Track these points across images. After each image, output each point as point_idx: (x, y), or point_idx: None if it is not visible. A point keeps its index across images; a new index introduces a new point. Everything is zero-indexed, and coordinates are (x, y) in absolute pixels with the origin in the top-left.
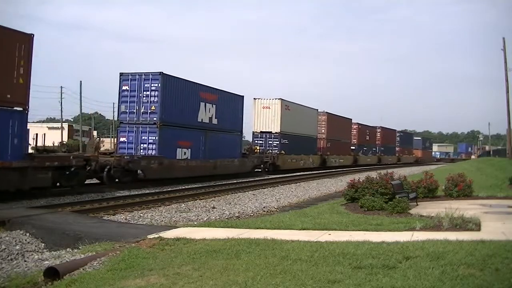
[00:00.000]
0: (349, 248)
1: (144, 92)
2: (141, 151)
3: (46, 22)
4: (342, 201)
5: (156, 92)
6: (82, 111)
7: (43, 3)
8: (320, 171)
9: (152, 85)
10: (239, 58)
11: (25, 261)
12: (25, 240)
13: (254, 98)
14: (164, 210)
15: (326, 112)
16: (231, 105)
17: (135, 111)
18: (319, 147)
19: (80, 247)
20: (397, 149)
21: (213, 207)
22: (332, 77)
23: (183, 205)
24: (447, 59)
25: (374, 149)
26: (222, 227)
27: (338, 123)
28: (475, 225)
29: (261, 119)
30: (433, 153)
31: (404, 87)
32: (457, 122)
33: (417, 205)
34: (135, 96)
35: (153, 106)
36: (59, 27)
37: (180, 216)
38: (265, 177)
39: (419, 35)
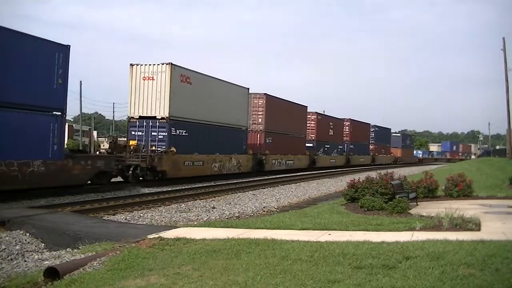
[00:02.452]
0: (349, 248)
1: None
2: None
3: (43, 22)
4: (342, 201)
5: None
6: (82, 111)
7: (40, 3)
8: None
9: None
10: (238, 57)
11: (25, 261)
12: (25, 240)
13: (131, 64)
14: (164, 210)
15: (265, 94)
16: (23, 57)
17: None
18: (253, 143)
19: (80, 247)
20: (371, 147)
21: (213, 207)
22: (331, 78)
23: (183, 205)
24: (447, 59)
25: (341, 147)
26: (222, 227)
27: (285, 111)
28: (475, 225)
29: (141, 96)
30: (414, 152)
31: (404, 87)
32: (457, 122)
33: (417, 205)
34: None
35: None
36: (56, 27)
37: (180, 216)
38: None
39: (419, 35)
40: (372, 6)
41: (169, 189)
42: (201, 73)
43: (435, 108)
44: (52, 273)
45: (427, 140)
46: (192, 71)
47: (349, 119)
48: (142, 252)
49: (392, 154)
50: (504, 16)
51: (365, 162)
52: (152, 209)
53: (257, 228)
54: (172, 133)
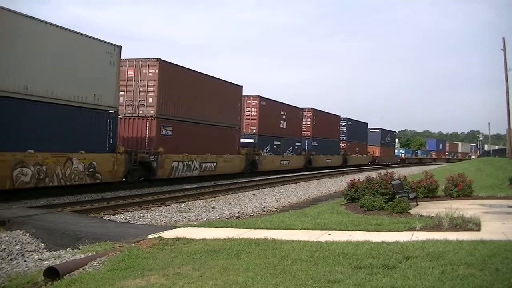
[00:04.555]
0: (349, 248)
1: None
2: None
3: None
4: (342, 201)
5: None
6: None
7: (42, 3)
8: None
9: None
10: (238, 57)
11: (25, 261)
12: (25, 240)
13: None
14: (164, 210)
15: (158, 60)
16: None
17: None
18: (136, 136)
19: (80, 247)
20: (342, 145)
21: (213, 207)
22: (332, 78)
23: (183, 205)
24: (447, 59)
25: (299, 144)
26: (222, 227)
27: (199, 89)
28: (475, 225)
29: None
30: (396, 151)
31: (404, 87)
32: (457, 122)
33: (417, 205)
34: None
35: None
36: None
37: (180, 216)
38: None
39: (419, 35)
40: (371, 6)
41: (169, 189)
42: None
43: (435, 108)
44: (52, 273)
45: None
46: None
47: (311, 108)
48: (142, 252)
49: (369, 154)
50: (504, 16)
51: (334, 163)
52: (152, 209)
53: (257, 228)
54: None
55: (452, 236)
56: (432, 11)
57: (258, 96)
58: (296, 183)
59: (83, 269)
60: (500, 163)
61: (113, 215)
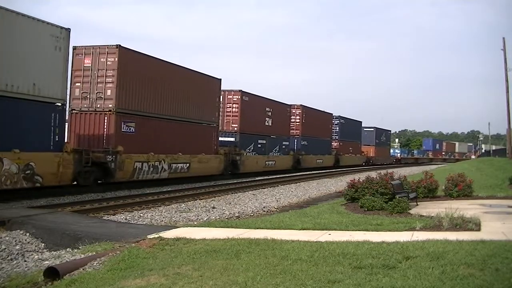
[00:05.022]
0: (349, 248)
1: None
2: None
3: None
4: (342, 201)
5: None
6: None
7: (40, 3)
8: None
9: None
10: (238, 57)
11: (25, 261)
12: (25, 240)
13: None
14: (164, 210)
15: (118, 46)
16: None
17: None
18: (91, 133)
19: (80, 247)
20: (334, 144)
21: (213, 207)
22: (332, 78)
23: (183, 205)
24: (447, 59)
25: (286, 143)
26: (222, 227)
27: (169, 82)
28: (475, 225)
29: None
30: (391, 151)
31: (404, 87)
32: (457, 122)
33: (417, 205)
34: None
35: None
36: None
37: (180, 216)
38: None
39: (419, 35)
40: (371, 6)
41: (169, 189)
42: None
43: (435, 108)
44: (52, 273)
45: None
46: None
47: (301, 105)
48: (142, 252)
49: (363, 153)
50: (504, 16)
51: (325, 163)
52: (152, 209)
53: (257, 228)
54: None
55: (452, 236)
56: (432, 11)
57: (240, 90)
58: (296, 183)
59: (83, 269)
60: (500, 163)
61: (113, 215)
